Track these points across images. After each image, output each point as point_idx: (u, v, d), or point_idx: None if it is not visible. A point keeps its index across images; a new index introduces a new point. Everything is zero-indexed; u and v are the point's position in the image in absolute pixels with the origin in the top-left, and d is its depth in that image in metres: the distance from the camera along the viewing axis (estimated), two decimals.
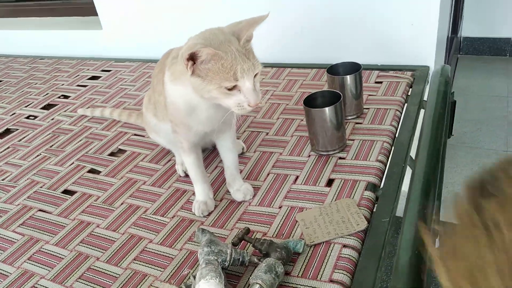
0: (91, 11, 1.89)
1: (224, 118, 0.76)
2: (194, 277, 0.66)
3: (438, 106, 0.80)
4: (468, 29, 2.75)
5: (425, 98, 1.12)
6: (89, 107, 1.37)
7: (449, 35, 1.75)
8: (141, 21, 1.71)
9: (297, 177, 0.92)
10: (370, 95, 1.16)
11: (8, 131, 1.35)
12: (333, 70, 1.07)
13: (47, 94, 1.55)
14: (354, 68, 1.05)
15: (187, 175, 0.96)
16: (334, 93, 0.95)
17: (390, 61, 1.32)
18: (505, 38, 2.68)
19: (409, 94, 1.16)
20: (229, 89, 0.66)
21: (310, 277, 0.68)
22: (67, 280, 0.77)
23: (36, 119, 1.38)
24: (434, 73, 0.95)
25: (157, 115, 0.91)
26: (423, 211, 0.57)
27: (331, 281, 0.66)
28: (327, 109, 0.90)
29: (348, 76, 1.02)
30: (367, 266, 0.68)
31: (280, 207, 0.84)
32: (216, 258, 0.67)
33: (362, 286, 0.66)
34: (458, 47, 2.77)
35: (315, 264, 0.70)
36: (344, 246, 0.72)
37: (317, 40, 1.41)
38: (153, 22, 1.69)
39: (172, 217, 0.87)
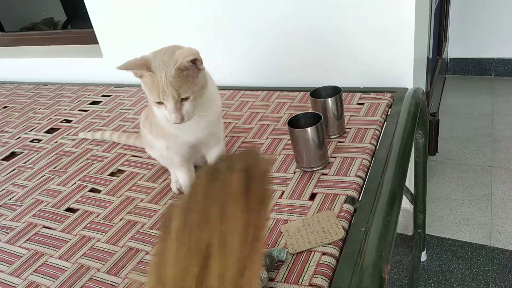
0: (92, 39, 2.00)
1: (210, 131, 0.84)
2: None
3: (407, 125, 0.88)
4: (454, 51, 2.87)
5: None
6: (90, 131, 1.46)
7: (431, 57, 1.85)
8: (141, 47, 1.82)
9: (283, 192, 0.99)
10: (352, 115, 1.24)
11: (13, 154, 1.43)
12: (315, 93, 1.16)
13: (50, 118, 1.64)
14: (335, 91, 1.14)
15: (181, 192, 1.03)
16: (315, 114, 1.04)
17: (371, 83, 1.42)
18: (489, 59, 2.80)
19: (388, 114, 1.25)
20: (158, 103, 0.77)
21: (292, 282, 0.75)
22: None
23: (40, 142, 1.47)
24: (407, 95, 1.04)
25: (152, 132, 0.99)
26: (387, 219, 0.64)
27: (311, 285, 0.73)
28: (309, 129, 0.98)
29: (329, 99, 1.10)
30: (344, 271, 0.75)
31: (266, 219, 0.91)
32: None
33: None
34: (445, 67, 2.89)
35: (297, 270, 0.77)
36: (324, 253, 0.79)
37: (303, 65, 1.51)
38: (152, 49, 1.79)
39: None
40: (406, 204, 1.66)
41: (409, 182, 1.56)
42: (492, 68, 2.81)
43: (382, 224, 0.63)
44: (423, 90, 1.09)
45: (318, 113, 1.03)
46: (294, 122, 1.05)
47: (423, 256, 1.59)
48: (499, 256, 1.55)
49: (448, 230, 1.70)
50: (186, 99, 0.77)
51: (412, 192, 1.44)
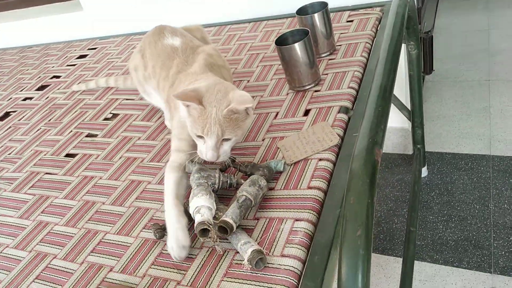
0: None
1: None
2: (189, 200, 0.75)
3: (396, 25, 0.86)
4: None
5: None
6: (79, 83, 1.44)
7: None
8: None
9: (277, 113, 0.99)
10: (342, 33, 1.22)
11: (7, 114, 1.42)
12: (302, 11, 1.12)
13: (39, 77, 1.62)
14: (322, 7, 1.10)
15: None
16: (303, 30, 1.01)
17: (360, 0, 1.37)
18: None
19: (378, 28, 1.22)
20: (198, 136, 0.75)
21: (291, 188, 0.76)
22: (78, 222, 0.86)
23: (32, 100, 1.46)
24: None
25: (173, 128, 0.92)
26: (378, 110, 0.64)
27: (310, 187, 0.75)
28: (296, 45, 0.96)
29: (315, 14, 1.07)
30: (341, 172, 0.76)
31: (263, 140, 0.92)
32: (206, 181, 0.75)
33: (337, 188, 0.74)
34: None
35: (295, 177, 0.78)
36: (320, 159, 0.80)
37: None
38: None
39: (167, 161, 0.95)
40: (404, 123, 1.66)
41: (406, 101, 1.56)
42: None
43: (373, 114, 0.63)
44: (431, 8, 1.06)
45: (306, 28, 1.01)
46: (282, 42, 1.03)
47: (424, 172, 1.61)
48: (499, 163, 1.56)
49: (448, 145, 1.71)
50: (228, 140, 0.76)
51: (409, 109, 1.43)
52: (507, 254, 1.29)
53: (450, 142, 1.72)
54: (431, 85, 2.04)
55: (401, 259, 1.38)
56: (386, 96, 0.68)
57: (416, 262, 1.34)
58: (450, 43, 2.31)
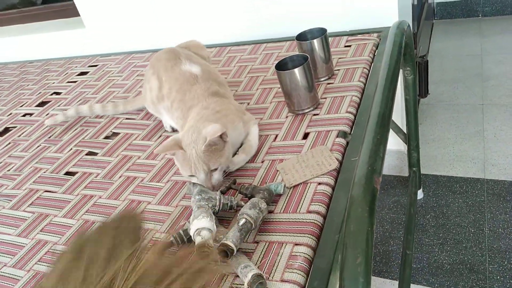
0: (73, 12, 1.97)
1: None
2: (189, 222, 0.75)
3: (393, 54, 0.89)
4: None
5: None
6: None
7: (415, 2, 1.83)
8: (122, 14, 1.79)
9: (277, 135, 1.01)
10: (340, 58, 1.25)
11: (6, 130, 1.43)
12: (301, 37, 1.15)
13: (39, 93, 1.63)
14: (321, 33, 1.13)
15: (174, 130, 1.11)
16: (302, 56, 1.04)
17: (358, 26, 1.41)
18: None
19: (375, 53, 1.25)
20: (190, 176, 0.85)
21: (290, 211, 0.77)
22: None
23: (32, 116, 1.47)
24: (392, 27, 1.04)
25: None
26: (377, 137, 0.66)
27: (309, 212, 0.76)
28: (296, 70, 0.99)
29: (315, 40, 1.10)
30: (340, 197, 0.78)
31: (262, 161, 0.93)
32: (207, 203, 0.76)
33: (336, 213, 0.75)
34: (432, 13, 2.86)
35: (295, 201, 0.79)
36: (319, 184, 0.81)
37: (288, 13, 1.50)
38: (133, 15, 1.77)
39: (167, 182, 0.96)
40: (400, 146, 1.69)
41: (402, 124, 1.58)
42: (479, 8, 2.78)
43: (372, 142, 0.64)
44: (408, 24, 1.09)
45: (305, 54, 1.03)
46: (282, 66, 1.05)
47: (420, 194, 1.62)
48: (493, 187, 1.58)
49: (443, 167, 1.73)
50: (215, 170, 0.84)
51: (405, 132, 1.46)
52: (502, 278, 1.30)
53: (444, 165, 1.74)
54: (426, 108, 2.08)
55: (397, 282, 1.38)
56: (384, 124, 0.70)
57: (412, 285, 1.35)
58: (444, 67, 2.36)
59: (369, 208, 0.55)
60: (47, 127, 1.35)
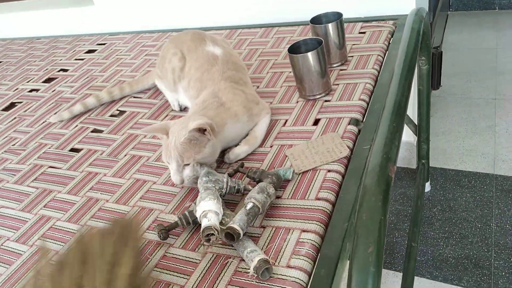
0: None
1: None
2: (196, 203, 0.74)
3: (411, 41, 0.86)
4: None
5: None
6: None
7: None
8: None
9: (286, 120, 0.99)
10: (354, 44, 1.21)
11: (12, 105, 1.42)
12: (316, 20, 1.12)
13: (46, 69, 1.61)
14: (336, 18, 1.10)
15: (182, 110, 1.10)
16: (316, 40, 1.01)
17: (373, 13, 1.37)
18: None
19: (390, 41, 1.22)
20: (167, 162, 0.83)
21: (299, 197, 0.76)
22: (81, 219, 0.85)
23: (38, 91, 1.45)
24: (410, 14, 1.01)
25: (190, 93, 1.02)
26: (393, 125, 0.63)
27: (318, 199, 0.74)
28: (309, 54, 0.96)
29: (330, 24, 1.07)
30: (350, 185, 0.76)
31: (271, 146, 0.91)
32: (214, 185, 0.75)
33: (345, 201, 0.73)
34: (448, 4, 2.79)
35: (303, 187, 0.77)
36: (329, 171, 0.79)
37: None
38: None
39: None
40: (409, 137, 1.66)
41: (413, 115, 1.55)
42: (496, 1, 2.72)
43: (388, 130, 0.62)
44: (427, 11, 1.06)
45: (319, 38, 1.00)
46: (295, 50, 1.02)
47: (427, 187, 1.60)
48: (502, 182, 1.56)
49: (452, 161, 1.70)
50: (187, 165, 0.80)
51: (416, 123, 1.43)
52: (507, 275, 1.28)
53: (454, 159, 1.71)
54: (437, 100, 2.04)
55: (400, 273, 1.37)
56: (400, 113, 0.67)
57: (415, 278, 1.33)
58: (457, 60, 2.31)
59: (383, 197, 0.53)
60: (52, 103, 1.34)
